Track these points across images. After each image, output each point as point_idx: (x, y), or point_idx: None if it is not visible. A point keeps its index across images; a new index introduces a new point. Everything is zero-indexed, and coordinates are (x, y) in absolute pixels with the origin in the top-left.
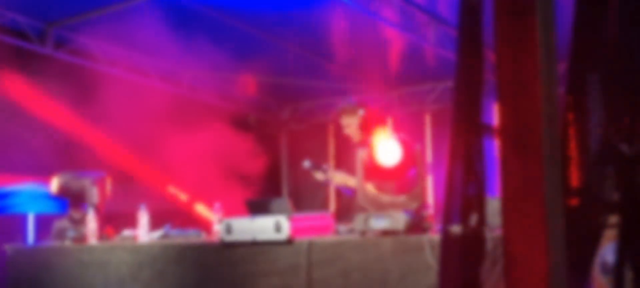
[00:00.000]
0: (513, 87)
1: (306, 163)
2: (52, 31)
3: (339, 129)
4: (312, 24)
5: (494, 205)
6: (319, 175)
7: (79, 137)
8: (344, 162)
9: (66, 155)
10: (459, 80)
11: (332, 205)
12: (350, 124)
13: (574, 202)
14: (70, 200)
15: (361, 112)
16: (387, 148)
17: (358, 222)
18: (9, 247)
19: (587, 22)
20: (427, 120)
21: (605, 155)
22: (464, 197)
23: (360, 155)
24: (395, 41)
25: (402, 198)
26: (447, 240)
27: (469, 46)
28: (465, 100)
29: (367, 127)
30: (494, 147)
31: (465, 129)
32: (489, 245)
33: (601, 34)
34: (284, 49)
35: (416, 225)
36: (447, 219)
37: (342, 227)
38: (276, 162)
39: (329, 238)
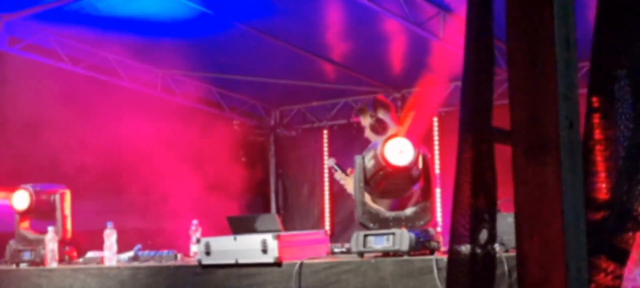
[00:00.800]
0: (527, 85)
1: (330, 162)
2: (3, 25)
3: (333, 134)
4: (304, 17)
5: (507, 220)
6: (338, 176)
7: (39, 144)
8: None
9: (26, 166)
10: (467, 78)
11: (327, 223)
12: (366, 126)
13: (599, 216)
14: (21, 216)
15: (371, 113)
16: (397, 146)
17: (355, 242)
18: None
19: (612, 11)
20: (435, 124)
21: (635, 162)
22: (473, 212)
23: (358, 162)
24: (398, 35)
25: (408, 211)
26: (455, 261)
27: (479, 40)
28: (474, 101)
29: (381, 130)
30: (507, 154)
31: (474, 134)
32: (503, 266)
33: (629, 24)
34: (272, 45)
35: (422, 244)
36: (455, 237)
37: (338, 247)
38: (263, 172)
39: (322, 260)
